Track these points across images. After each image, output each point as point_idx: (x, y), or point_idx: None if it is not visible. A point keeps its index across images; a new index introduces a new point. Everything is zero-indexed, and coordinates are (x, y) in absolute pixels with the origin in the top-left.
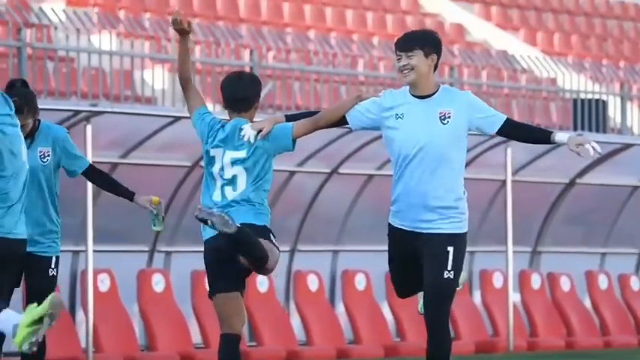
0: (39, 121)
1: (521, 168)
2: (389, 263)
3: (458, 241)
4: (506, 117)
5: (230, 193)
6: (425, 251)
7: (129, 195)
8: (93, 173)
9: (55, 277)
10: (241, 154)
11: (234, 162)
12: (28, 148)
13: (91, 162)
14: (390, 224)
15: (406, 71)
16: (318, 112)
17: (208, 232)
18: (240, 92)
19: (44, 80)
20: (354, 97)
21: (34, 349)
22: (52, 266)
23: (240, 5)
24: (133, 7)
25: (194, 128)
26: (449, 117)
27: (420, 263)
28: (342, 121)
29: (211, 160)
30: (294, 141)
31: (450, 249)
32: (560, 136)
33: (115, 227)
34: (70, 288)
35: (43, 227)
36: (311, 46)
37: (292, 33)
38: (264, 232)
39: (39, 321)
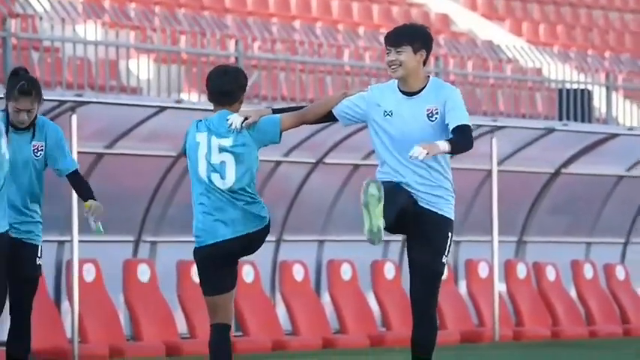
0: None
1: (506, 158)
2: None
3: (452, 227)
4: (465, 123)
5: (219, 182)
6: (423, 228)
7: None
8: (76, 178)
9: (40, 266)
10: (227, 141)
11: (221, 149)
12: (29, 142)
13: (77, 167)
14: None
15: (394, 67)
16: (304, 107)
17: (203, 239)
18: (226, 86)
19: (29, 70)
20: (341, 94)
21: None
22: (39, 255)
23: None
24: None
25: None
26: (436, 113)
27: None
28: (328, 117)
29: (197, 146)
30: (280, 133)
31: (449, 235)
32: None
33: (101, 217)
34: (55, 278)
35: (31, 218)
36: (296, 37)
37: (278, 23)
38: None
39: None
